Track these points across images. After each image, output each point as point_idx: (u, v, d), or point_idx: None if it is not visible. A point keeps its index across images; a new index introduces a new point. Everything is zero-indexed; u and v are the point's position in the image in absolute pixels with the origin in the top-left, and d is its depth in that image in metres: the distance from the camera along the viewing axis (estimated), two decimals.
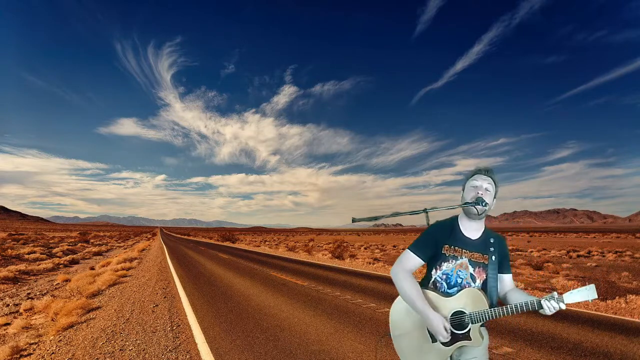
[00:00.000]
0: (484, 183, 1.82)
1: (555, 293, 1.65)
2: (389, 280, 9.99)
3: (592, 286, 1.64)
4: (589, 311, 6.22)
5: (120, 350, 4.38)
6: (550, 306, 1.62)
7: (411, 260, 1.85)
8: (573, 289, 1.66)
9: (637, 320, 5.59)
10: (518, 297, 1.75)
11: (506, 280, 1.87)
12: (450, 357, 1.80)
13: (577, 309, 6.37)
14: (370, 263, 16.13)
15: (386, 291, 8.18)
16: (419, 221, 1.84)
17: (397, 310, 1.91)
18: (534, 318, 5.66)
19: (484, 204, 1.77)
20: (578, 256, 23.77)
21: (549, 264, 16.61)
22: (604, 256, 22.76)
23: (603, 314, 6.04)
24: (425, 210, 1.80)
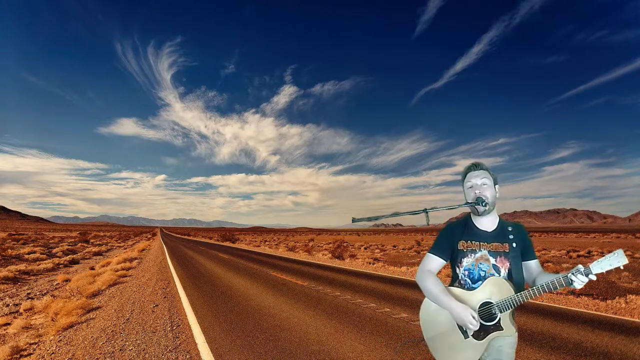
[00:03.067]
0: (478, 180, 1.83)
1: (580, 266, 1.59)
2: (389, 280, 9.99)
3: (620, 251, 1.54)
4: (589, 311, 6.23)
5: (120, 350, 4.39)
6: (578, 280, 1.56)
7: (432, 262, 1.89)
8: (599, 257, 1.56)
9: (637, 320, 5.59)
10: (547, 279, 1.69)
11: (533, 266, 1.82)
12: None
13: (577, 309, 6.37)
14: (370, 263, 16.13)
15: (386, 291, 8.18)
16: (419, 221, 1.85)
17: (426, 312, 1.92)
18: (534, 318, 5.66)
19: (484, 204, 1.78)
20: (578, 256, 23.78)
21: (549, 264, 16.62)
22: (604, 256, 22.74)
23: (603, 314, 6.04)
24: (425, 210, 1.81)
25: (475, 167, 1.86)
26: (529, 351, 4.09)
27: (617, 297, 7.27)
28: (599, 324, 5.29)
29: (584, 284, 1.57)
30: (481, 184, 1.82)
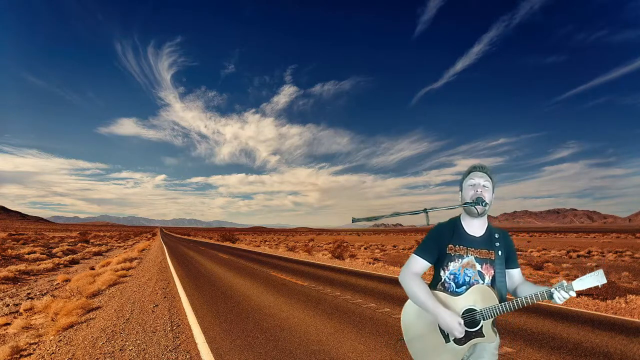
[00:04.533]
0: (481, 180, 1.83)
1: (564, 281, 1.66)
2: (389, 280, 9.99)
3: (601, 271, 1.66)
4: (589, 311, 6.22)
5: (120, 350, 4.38)
6: (560, 296, 1.63)
7: (418, 264, 1.85)
8: (581, 275, 1.68)
9: (637, 320, 5.59)
10: (528, 290, 1.75)
11: (515, 275, 1.87)
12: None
13: (577, 309, 6.37)
14: (370, 263, 16.13)
15: (386, 291, 8.18)
16: (419, 221, 1.84)
17: (408, 314, 1.91)
18: (534, 318, 5.66)
19: (483, 204, 1.77)
20: (578, 256, 23.77)
21: (549, 264, 16.62)
22: (604, 256, 22.76)
23: (603, 314, 6.03)
24: (425, 210, 1.80)
25: (481, 168, 1.86)
26: (529, 351, 4.09)
27: (617, 297, 7.27)
28: (599, 324, 5.29)
29: (565, 300, 1.64)
30: (483, 185, 1.82)
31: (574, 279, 1.69)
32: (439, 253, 1.86)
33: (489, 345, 1.78)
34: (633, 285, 10.20)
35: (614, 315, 5.91)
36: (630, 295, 7.19)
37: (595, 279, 1.65)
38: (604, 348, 4.18)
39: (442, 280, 1.85)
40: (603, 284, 1.66)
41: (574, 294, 1.65)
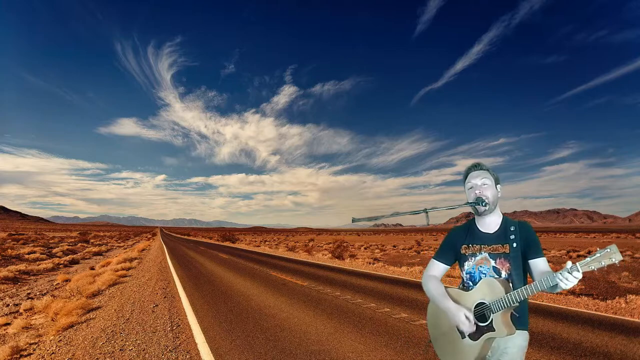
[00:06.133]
0: (478, 180, 1.84)
1: (569, 263, 1.47)
2: (389, 281, 9.99)
3: (613, 246, 1.42)
4: (589, 311, 6.22)
5: (120, 350, 4.39)
6: (563, 278, 1.46)
7: (434, 267, 1.99)
8: (588, 257, 1.46)
9: (637, 320, 5.59)
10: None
11: (539, 265, 1.73)
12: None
13: (577, 309, 6.37)
14: (370, 263, 16.13)
15: (386, 291, 8.18)
16: (419, 221, 1.85)
17: (431, 314, 2.01)
18: (534, 318, 5.66)
19: (484, 204, 1.79)
20: (578, 256, 23.76)
21: (549, 264, 16.61)
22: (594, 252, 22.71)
23: (603, 314, 6.03)
24: (425, 210, 1.81)
25: (476, 167, 1.88)
26: (529, 351, 4.09)
27: (617, 297, 7.27)
28: (599, 324, 5.28)
29: (571, 283, 1.46)
30: (481, 184, 1.83)
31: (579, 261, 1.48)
32: (455, 255, 1.94)
33: (511, 346, 1.76)
34: (633, 285, 10.20)
35: (614, 315, 5.90)
36: (630, 295, 7.19)
37: (606, 256, 1.41)
38: (604, 348, 4.18)
39: (463, 280, 1.92)
40: (620, 261, 1.38)
41: (579, 276, 1.43)
